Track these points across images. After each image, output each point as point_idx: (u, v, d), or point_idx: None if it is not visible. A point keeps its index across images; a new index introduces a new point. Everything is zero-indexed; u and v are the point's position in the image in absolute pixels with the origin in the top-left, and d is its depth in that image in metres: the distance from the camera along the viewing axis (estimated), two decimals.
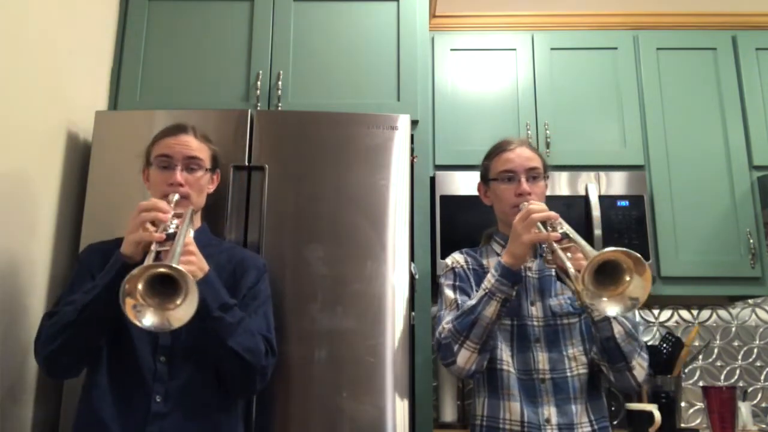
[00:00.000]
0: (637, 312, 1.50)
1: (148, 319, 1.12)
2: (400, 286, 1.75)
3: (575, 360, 1.46)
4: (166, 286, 1.12)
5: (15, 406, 1.64)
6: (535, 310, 1.49)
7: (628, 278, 1.17)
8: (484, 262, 1.60)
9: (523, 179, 1.51)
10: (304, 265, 1.74)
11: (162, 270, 1.11)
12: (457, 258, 1.61)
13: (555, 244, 1.31)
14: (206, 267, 1.30)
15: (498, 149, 1.59)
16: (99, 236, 1.80)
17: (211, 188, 1.56)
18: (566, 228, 1.34)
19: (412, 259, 1.82)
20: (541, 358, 1.45)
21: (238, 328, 1.29)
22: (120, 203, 1.80)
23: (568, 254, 1.30)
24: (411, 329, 1.77)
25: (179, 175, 1.42)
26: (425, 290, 1.92)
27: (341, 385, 1.67)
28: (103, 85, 2.10)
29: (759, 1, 2.61)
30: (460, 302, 1.50)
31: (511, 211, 1.51)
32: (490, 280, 1.40)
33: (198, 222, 1.53)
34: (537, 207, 1.38)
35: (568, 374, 1.44)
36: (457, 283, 1.55)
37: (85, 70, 1.99)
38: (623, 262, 1.16)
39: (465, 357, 1.41)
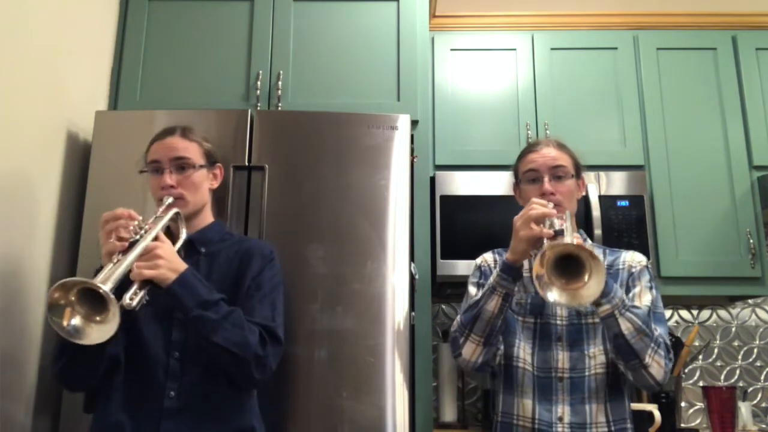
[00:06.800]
0: (660, 303, 1.49)
1: (72, 322, 1.15)
2: (400, 286, 1.75)
3: (594, 358, 1.44)
4: (98, 299, 1.13)
5: (15, 407, 1.64)
6: (560, 309, 1.49)
7: (586, 278, 1.22)
8: None
9: (546, 179, 1.50)
10: (304, 265, 1.74)
11: (86, 286, 1.12)
12: (486, 257, 1.61)
13: (546, 242, 1.32)
14: (181, 267, 1.29)
15: (525, 151, 1.59)
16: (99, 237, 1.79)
17: (214, 184, 1.55)
18: (567, 225, 1.35)
19: (412, 259, 1.82)
20: (562, 357, 1.45)
21: (223, 323, 1.28)
22: (120, 203, 1.78)
23: None
24: (411, 329, 1.77)
25: (168, 178, 1.43)
26: (425, 290, 1.92)
27: (341, 385, 1.67)
28: (103, 85, 2.10)
29: (759, 1, 2.61)
30: None
31: None
32: (494, 275, 1.42)
33: (209, 218, 1.52)
34: (537, 204, 1.40)
35: (586, 373, 1.44)
36: (480, 281, 1.55)
37: (85, 70, 1.99)
38: (585, 260, 1.21)
39: (470, 350, 1.44)
